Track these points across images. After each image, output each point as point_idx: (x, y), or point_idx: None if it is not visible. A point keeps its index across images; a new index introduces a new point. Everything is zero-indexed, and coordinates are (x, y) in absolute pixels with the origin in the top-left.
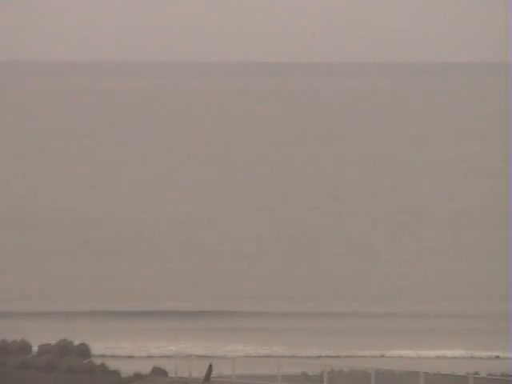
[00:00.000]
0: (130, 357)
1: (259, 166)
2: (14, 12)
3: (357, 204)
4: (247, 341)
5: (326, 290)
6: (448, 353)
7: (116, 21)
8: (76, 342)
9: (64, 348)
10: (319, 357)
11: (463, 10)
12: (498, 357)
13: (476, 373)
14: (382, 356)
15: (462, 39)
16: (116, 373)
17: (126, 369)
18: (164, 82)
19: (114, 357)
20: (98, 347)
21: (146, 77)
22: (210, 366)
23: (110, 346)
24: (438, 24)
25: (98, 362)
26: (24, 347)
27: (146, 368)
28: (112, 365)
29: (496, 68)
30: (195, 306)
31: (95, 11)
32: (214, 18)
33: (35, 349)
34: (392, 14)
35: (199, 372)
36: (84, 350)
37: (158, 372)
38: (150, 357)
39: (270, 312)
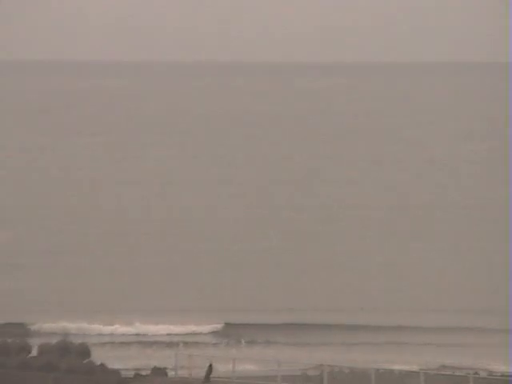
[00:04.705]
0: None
1: (259, 166)
2: (13, 12)
3: (356, 205)
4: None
5: (325, 299)
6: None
7: (116, 21)
8: (76, 342)
9: (64, 348)
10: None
11: (463, 10)
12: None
13: (476, 373)
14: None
15: (461, 39)
16: (116, 373)
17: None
18: (164, 82)
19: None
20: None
21: (146, 77)
22: (210, 366)
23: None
24: (438, 24)
25: (97, 362)
26: (24, 347)
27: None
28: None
29: (496, 68)
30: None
31: (95, 11)
32: (214, 18)
33: (35, 349)
34: (392, 14)
35: (199, 372)
36: (84, 350)
37: (158, 372)
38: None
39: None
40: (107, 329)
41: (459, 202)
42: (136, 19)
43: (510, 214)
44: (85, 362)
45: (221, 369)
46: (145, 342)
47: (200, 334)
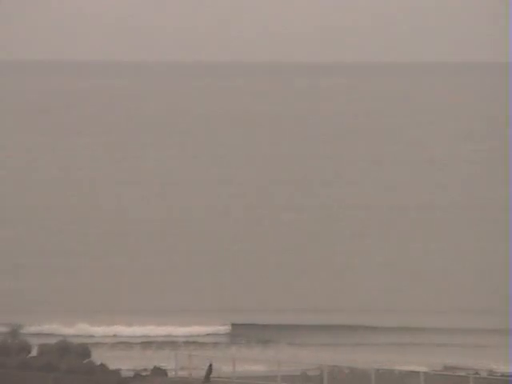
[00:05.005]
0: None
1: (259, 166)
2: (13, 12)
3: (356, 205)
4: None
5: (323, 299)
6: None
7: (116, 21)
8: (76, 342)
9: (64, 348)
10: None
11: (463, 10)
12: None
13: (476, 373)
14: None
15: (461, 39)
16: (116, 373)
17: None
18: (164, 82)
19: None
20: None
21: (146, 77)
22: (210, 366)
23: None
24: (438, 24)
25: (97, 362)
26: (24, 347)
27: (146, 368)
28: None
29: (496, 68)
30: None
31: (95, 11)
32: (214, 18)
33: (35, 349)
34: (392, 14)
35: (199, 372)
36: (84, 350)
37: (158, 372)
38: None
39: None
40: (107, 329)
41: (459, 202)
42: (136, 19)
43: (510, 214)
44: (85, 362)
45: (221, 369)
46: (145, 343)
47: (200, 334)
